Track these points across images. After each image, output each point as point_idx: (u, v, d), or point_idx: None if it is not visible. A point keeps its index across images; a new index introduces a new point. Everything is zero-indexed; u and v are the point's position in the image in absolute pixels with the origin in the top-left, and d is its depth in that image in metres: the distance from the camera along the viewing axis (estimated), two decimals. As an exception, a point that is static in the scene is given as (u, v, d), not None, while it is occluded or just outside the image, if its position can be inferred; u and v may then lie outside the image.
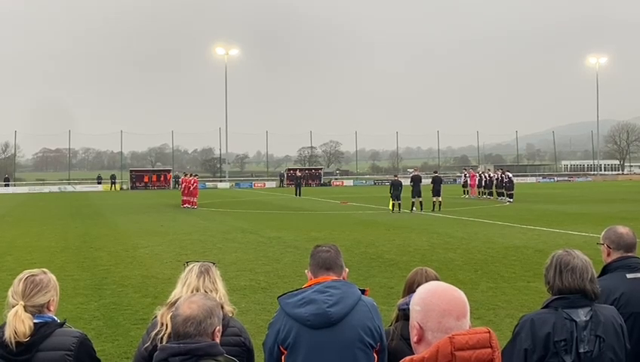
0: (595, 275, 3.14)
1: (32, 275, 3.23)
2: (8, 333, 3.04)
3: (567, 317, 2.99)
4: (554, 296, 3.14)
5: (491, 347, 2.12)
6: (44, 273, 3.28)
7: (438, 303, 2.17)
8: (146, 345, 3.32)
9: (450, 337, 2.08)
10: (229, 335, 3.33)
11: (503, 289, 10.55)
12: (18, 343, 3.04)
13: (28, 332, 3.05)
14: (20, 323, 3.05)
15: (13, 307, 3.12)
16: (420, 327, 2.19)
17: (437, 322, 2.15)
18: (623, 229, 3.94)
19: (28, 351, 3.06)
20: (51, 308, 3.24)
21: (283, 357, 3.14)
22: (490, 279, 11.47)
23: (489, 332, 2.15)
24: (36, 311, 3.16)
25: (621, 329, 3.09)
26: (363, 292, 3.26)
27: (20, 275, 3.24)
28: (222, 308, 3.21)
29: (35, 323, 3.10)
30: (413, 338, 2.22)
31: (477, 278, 11.58)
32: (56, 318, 3.24)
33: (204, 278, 3.51)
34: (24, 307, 3.11)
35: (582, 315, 3.00)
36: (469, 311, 2.20)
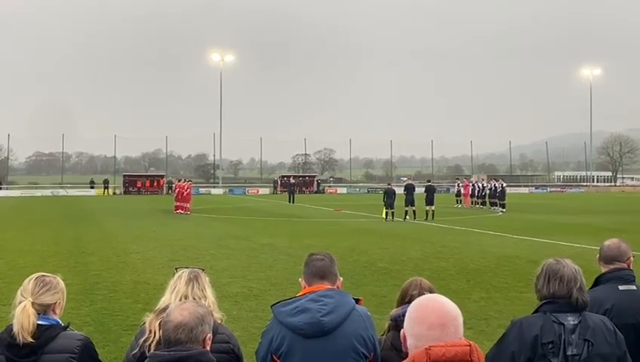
0: (585, 285, 3.14)
1: (43, 276, 3.31)
2: (17, 328, 3.09)
3: (555, 321, 2.99)
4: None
5: (471, 361, 2.11)
6: (55, 277, 3.36)
7: (416, 314, 2.23)
8: (134, 352, 3.33)
9: (426, 349, 2.10)
10: (217, 342, 3.32)
11: (495, 299, 10.56)
12: (24, 345, 3.08)
13: (31, 328, 3.09)
14: (25, 318, 3.09)
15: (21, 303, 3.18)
16: (404, 336, 2.26)
17: (416, 332, 2.20)
18: (608, 241, 4.02)
19: (34, 353, 3.10)
20: (57, 311, 3.30)
21: (276, 366, 3.13)
22: (483, 289, 11.49)
23: (470, 345, 2.14)
24: (42, 310, 3.20)
25: (613, 336, 3.06)
26: (357, 301, 3.25)
27: (31, 276, 3.33)
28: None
29: (40, 325, 3.14)
30: (403, 346, 2.28)
31: (469, 288, 11.59)
32: (60, 321, 3.29)
33: (193, 285, 3.51)
34: (32, 303, 3.16)
35: (570, 319, 3.01)
36: (454, 324, 2.19)
